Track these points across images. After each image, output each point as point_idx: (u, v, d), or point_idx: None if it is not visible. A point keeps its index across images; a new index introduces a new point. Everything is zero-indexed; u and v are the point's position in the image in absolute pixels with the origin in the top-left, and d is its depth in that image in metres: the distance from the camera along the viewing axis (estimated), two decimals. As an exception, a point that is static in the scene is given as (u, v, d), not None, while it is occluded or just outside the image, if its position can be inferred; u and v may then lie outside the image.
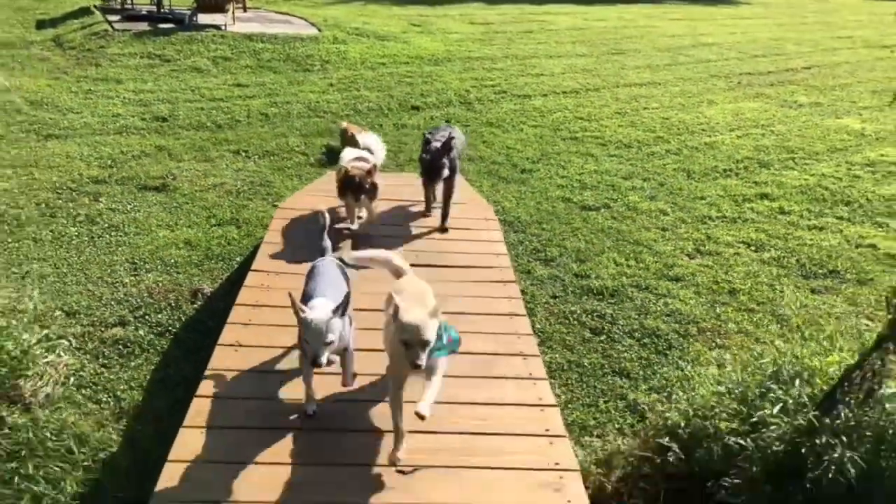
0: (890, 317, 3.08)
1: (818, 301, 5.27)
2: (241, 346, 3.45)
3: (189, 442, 2.88)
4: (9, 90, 9.04)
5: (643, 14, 17.33)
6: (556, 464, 2.81)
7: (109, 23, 11.99)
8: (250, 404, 3.15)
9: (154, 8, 12.66)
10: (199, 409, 3.00)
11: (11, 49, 10.84)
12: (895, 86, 11.77)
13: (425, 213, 5.39)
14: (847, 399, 3.27)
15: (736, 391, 3.72)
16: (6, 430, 3.51)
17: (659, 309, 5.03)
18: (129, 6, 13.01)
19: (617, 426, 3.94)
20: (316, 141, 8.17)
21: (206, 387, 3.16)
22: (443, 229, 5.16)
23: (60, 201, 6.20)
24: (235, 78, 10.30)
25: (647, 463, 3.63)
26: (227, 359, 3.35)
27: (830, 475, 3.14)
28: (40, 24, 12.22)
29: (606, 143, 8.65)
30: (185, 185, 6.70)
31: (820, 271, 5.76)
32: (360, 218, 5.07)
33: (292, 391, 3.27)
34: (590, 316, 4.92)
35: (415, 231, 5.09)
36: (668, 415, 3.70)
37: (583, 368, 4.38)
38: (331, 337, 2.90)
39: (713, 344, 4.61)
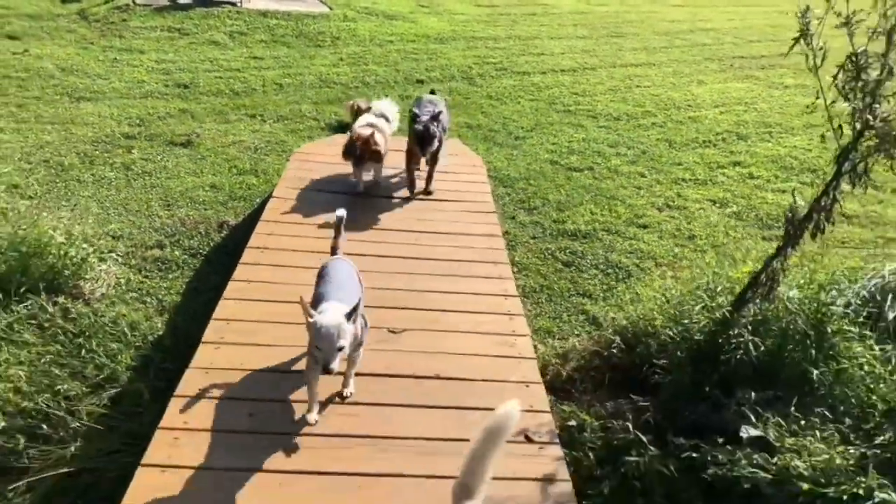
0: (786, 228, 3.92)
1: (767, 246, 6.09)
2: (266, 248, 4.33)
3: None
4: (41, 57, 9.94)
5: (645, 1, 18.08)
6: (513, 331, 3.69)
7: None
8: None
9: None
10: (236, 287, 3.88)
11: (40, 21, 11.71)
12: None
13: (409, 191, 5.72)
14: (756, 299, 4.12)
15: (674, 301, 4.58)
16: (72, 317, 4.41)
17: (624, 248, 5.88)
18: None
19: (576, 332, 4.79)
20: (327, 108, 9.01)
21: (240, 273, 4.04)
22: (427, 192, 5.71)
23: (97, 152, 7.07)
24: (251, 51, 11.15)
25: (596, 357, 4.48)
26: (255, 257, 4.23)
27: (739, 356, 4.01)
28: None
29: (597, 115, 9.48)
30: (207, 141, 7.56)
31: (775, 224, 6.59)
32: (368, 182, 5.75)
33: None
34: (563, 252, 5.77)
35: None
36: (615, 317, 4.56)
37: (552, 291, 5.24)
38: (342, 343, 2.91)
39: (666, 275, 5.45)
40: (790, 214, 3.96)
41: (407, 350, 3.58)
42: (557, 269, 5.54)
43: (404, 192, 5.71)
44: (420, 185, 5.77)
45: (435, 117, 5.51)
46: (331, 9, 13.66)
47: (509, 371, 3.45)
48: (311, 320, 2.93)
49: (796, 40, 3.83)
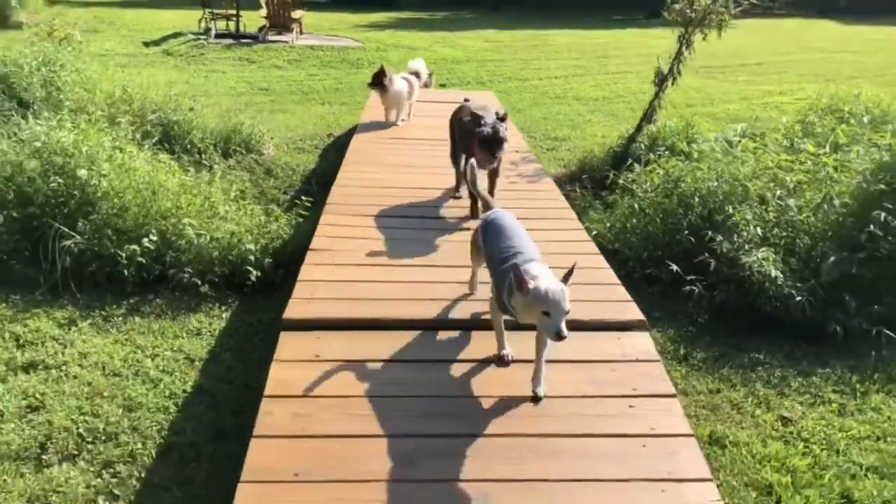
0: (655, 80, 8.06)
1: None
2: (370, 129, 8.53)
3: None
4: (151, 77, 14.40)
5: (634, 34, 22.82)
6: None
7: (203, 38, 17.56)
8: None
9: (233, 30, 18.32)
10: (348, 167, 8.00)
11: (136, 58, 16.31)
12: (821, 72, 16.95)
13: (455, 196, 6.04)
14: (645, 123, 8.23)
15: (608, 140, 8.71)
16: (260, 163, 8.54)
17: (593, 142, 10.02)
18: (213, 29, 18.66)
19: (553, 168, 8.87)
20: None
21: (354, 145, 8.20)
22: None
23: (231, 112, 11.30)
24: (307, 71, 15.65)
25: (564, 176, 8.56)
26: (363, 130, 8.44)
27: (638, 155, 8.07)
28: (146, 44, 17.79)
29: (581, 98, 13.78)
30: (297, 112, 11.85)
31: (696, 138, 10.71)
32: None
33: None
34: (548, 145, 9.94)
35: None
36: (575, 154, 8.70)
37: (541, 159, 9.34)
38: (568, 305, 3.06)
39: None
40: (657, 71, 8.11)
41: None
42: (544, 152, 9.69)
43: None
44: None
45: (503, 118, 5.34)
46: (363, 45, 18.32)
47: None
48: (531, 286, 3.08)
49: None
